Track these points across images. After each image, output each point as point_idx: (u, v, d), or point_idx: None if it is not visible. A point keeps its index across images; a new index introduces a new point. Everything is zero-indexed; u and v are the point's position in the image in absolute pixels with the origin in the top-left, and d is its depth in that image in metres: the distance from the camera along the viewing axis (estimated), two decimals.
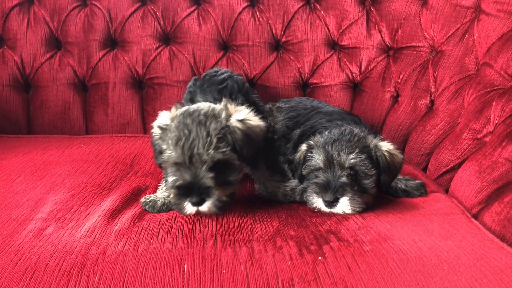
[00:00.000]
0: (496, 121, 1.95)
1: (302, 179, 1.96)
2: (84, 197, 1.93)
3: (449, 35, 2.47)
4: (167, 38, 2.97)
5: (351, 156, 1.79)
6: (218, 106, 1.74)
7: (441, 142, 2.28)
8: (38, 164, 2.31)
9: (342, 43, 2.88)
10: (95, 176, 2.17)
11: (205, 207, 1.62)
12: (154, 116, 2.89)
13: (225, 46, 2.97)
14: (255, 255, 1.43)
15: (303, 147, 2.00)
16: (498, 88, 2.05)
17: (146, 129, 2.96)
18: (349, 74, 2.87)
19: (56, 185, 2.05)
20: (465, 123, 2.13)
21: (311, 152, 1.90)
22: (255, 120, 1.77)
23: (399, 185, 1.97)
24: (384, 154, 1.85)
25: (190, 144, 1.60)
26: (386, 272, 1.31)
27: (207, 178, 1.60)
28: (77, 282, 1.32)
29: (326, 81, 2.90)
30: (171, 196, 1.67)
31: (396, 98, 2.72)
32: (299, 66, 2.91)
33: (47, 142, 2.71)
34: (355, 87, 2.91)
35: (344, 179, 1.77)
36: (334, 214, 1.73)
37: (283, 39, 2.93)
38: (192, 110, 1.69)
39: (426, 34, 2.60)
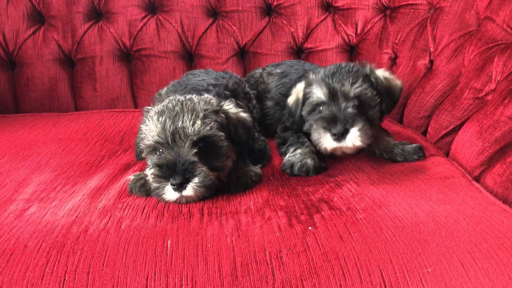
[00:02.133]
0: (498, 78, 1.83)
1: (301, 122, 1.89)
2: (70, 176, 1.86)
3: None
4: (153, 6, 2.85)
5: (356, 85, 1.73)
6: (206, 95, 1.68)
7: (441, 103, 2.17)
8: (24, 144, 2.24)
9: (336, 4, 2.75)
10: (82, 155, 2.09)
11: (189, 189, 1.47)
12: (144, 90, 2.84)
13: (214, 12, 2.85)
14: (242, 227, 1.36)
15: (300, 85, 1.91)
16: (500, 43, 1.93)
17: (136, 103, 2.88)
18: (345, 37, 2.75)
19: (41, 165, 1.98)
20: (466, 82, 2.01)
21: (310, 88, 1.82)
22: (238, 111, 1.72)
23: (395, 150, 1.88)
24: (380, 78, 1.82)
25: (174, 119, 1.50)
26: (380, 240, 1.24)
27: (192, 155, 1.49)
28: (56, 262, 1.26)
29: (321, 45, 2.78)
30: (151, 179, 1.52)
31: (394, 60, 2.59)
32: (292, 30, 2.79)
33: (34, 120, 2.64)
34: (351, 50, 2.79)
35: (351, 109, 1.70)
36: (327, 182, 1.65)
37: (275, 3, 2.80)
38: (178, 96, 1.63)
39: None
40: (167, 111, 1.53)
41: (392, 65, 2.59)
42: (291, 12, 2.78)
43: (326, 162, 1.83)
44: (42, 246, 1.33)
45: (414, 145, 1.89)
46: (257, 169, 1.73)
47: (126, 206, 1.56)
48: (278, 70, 2.33)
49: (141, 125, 1.63)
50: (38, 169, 1.95)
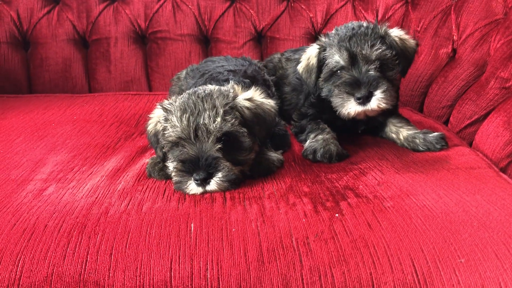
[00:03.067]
0: None
1: (315, 89, 1.89)
2: (87, 158, 1.83)
3: None
4: None
5: (375, 47, 1.74)
6: (225, 87, 1.63)
7: (464, 93, 2.13)
8: (39, 124, 2.22)
9: None
10: (98, 136, 2.07)
11: (213, 184, 1.46)
12: (159, 73, 2.81)
13: None
14: (267, 212, 1.33)
15: (312, 49, 1.91)
16: None
17: (151, 86, 2.84)
18: None
19: (57, 146, 1.96)
20: (492, 71, 1.96)
21: (326, 53, 1.82)
22: (263, 98, 1.65)
23: (417, 139, 1.83)
24: (395, 39, 1.82)
25: (196, 116, 1.48)
26: (410, 229, 1.21)
27: (215, 150, 1.47)
28: (78, 243, 1.24)
29: None
30: (173, 173, 1.51)
31: None
32: (311, 15, 2.74)
33: (48, 101, 2.61)
34: None
35: (373, 72, 1.72)
36: (351, 170, 1.61)
37: None
38: (197, 89, 1.59)
39: None
40: (188, 108, 1.51)
41: None
42: None
43: (348, 149, 1.80)
44: (62, 227, 1.31)
45: (436, 134, 1.84)
46: (279, 154, 1.70)
47: (146, 189, 1.53)
48: (297, 56, 2.28)
49: (161, 120, 1.60)
50: (54, 149, 1.92)
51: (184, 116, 1.49)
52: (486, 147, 1.79)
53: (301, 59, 1.99)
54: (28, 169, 1.72)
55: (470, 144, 1.94)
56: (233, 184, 1.49)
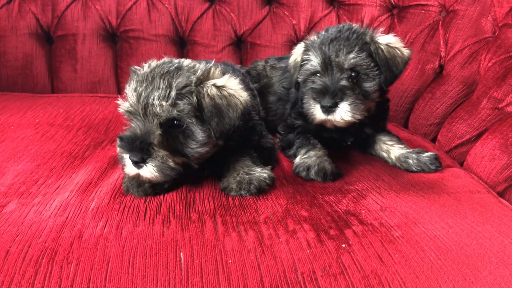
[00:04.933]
0: None
1: (298, 87, 1.83)
2: (52, 168, 1.64)
3: None
4: None
5: (351, 55, 1.64)
6: (202, 66, 1.48)
7: (453, 111, 2.08)
8: None
9: None
10: (65, 143, 1.87)
11: (146, 171, 1.36)
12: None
13: None
14: (265, 241, 1.19)
15: (299, 48, 1.84)
16: None
17: (120, 88, 2.64)
18: None
19: (17, 152, 1.75)
20: (484, 90, 1.92)
21: (308, 54, 1.74)
22: (236, 90, 1.46)
23: (410, 160, 1.76)
24: (380, 47, 1.69)
25: (149, 92, 1.36)
26: (425, 263, 1.11)
27: (153, 134, 1.35)
28: (47, 274, 1.07)
29: None
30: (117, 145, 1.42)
31: None
32: (294, 22, 2.63)
33: (6, 100, 2.38)
34: None
35: (344, 82, 1.64)
36: (348, 191, 1.51)
37: None
38: (169, 60, 1.47)
39: None
40: (145, 82, 1.39)
41: None
42: (293, 3, 2.61)
43: (339, 167, 1.69)
44: (28, 253, 1.14)
45: (429, 154, 1.76)
46: (268, 170, 1.57)
47: (124, 208, 1.37)
48: (282, 64, 2.18)
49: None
50: (14, 156, 1.72)
51: (139, 89, 1.38)
52: (480, 169, 1.73)
53: (292, 52, 1.91)
54: None
55: (460, 164, 1.89)
56: (166, 176, 1.38)
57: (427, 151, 1.79)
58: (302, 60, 1.77)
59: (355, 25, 1.75)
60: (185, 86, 1.37)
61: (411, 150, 1.80)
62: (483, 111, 1.88)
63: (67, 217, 1.30)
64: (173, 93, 1.35)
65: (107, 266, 1.10)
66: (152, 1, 2.59)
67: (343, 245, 1.17)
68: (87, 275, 1.07)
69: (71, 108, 2.29)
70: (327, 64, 1.66)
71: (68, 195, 1.43)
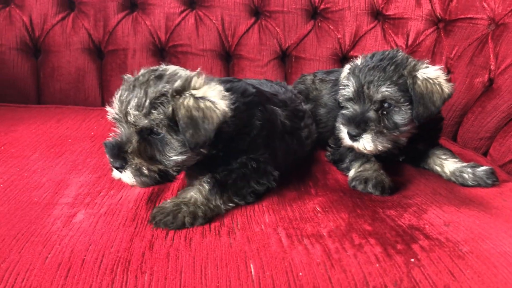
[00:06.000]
0: None
1: (339, 106, 1.86)
2: (112, 180, 1.68)
3: None
4: (192, 1, 2.69)
5: (382, 89, 1.65)
6: (184, 75, 1.45)
7: (505, 124, 2.05)
8: (54, 139, 2.07)
9: (387, 13, 2.62)
10: None
11: (125, 177, 1.40)
12: None
13: (257, 11, 2.70)
14: (333, 254, 1.20)
15: (345, 70, 1.86)
16: None
17: None
18: (395, 47, 2.61)
19: (78, 165, 1.82)
20: None
21: (348, 79, 1.76)
22: (214, 102, 1.40)
23: (465, 174, 1.74)
24: (417, 82, 1.65)
25: (128, 101, 1.39)
26: (499, 281, 1.10)
27: (129, 143, 1.39)
28: (124, 283, 1.10)
29: None
30: None
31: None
32: (339, 36, 2.65)
33: (61, 113, 2.46)
34: None
35: (371, 113, 1.66)
36: (408, 206, 1.50)
37: (322, 6, 2.66)
38: (152, 68, 1.48)
39: (485, 4, 2.33)
40: (128, 89, 1.42)
41: None
42: (338, 17, 2.64)
43: (394, 181, 1.69)
44: (103, 262, 1.17)
45: (485, 168, 1.74)
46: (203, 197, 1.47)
47: None
48: (332, 77, 2.20)
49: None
50: (75, 169, 1.78)
51: (122, 97, 1.41)
52: None
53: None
54: (51, 190, 1.58)
55: None
56: (143, 184, 1.41)
57: (481, 165, 1.78)
58: (342, 84, 1.80)
59: (401, 54, 1.73)
60: (161, 95, 1.38)
61: (466, 164, 1.78)
62: None
63: (135, 228, 1.34)
64: (147, 103, 1.36)
65: (180, 276, 1.13)
66: (200, 16, 2.65)
67: (412, 260, 1.17)
68: (162, 284, 1.10)
69: None
70: (359, 93, 1.69)
71: (132, 206, 1.48)
